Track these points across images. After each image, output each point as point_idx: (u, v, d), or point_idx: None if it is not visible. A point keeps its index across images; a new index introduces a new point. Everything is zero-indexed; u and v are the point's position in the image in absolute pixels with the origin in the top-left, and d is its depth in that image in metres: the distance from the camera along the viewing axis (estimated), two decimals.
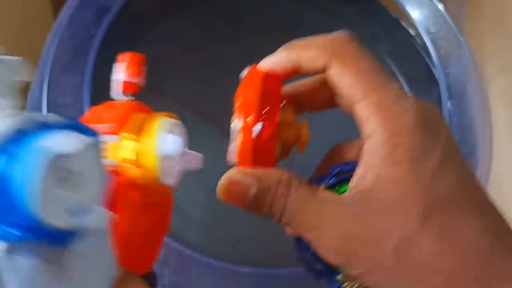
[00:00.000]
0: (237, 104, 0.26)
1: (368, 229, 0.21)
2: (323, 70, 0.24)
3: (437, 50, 0.44)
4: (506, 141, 0.44)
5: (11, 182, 0.16)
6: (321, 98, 0.27)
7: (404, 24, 0.51)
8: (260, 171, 0.23)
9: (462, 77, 0.43)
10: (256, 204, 0.23)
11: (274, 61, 0.26)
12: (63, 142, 0.17)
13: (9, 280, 0.16)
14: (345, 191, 0.23)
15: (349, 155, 0.27)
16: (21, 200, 0.16)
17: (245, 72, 0.27)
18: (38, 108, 0.38)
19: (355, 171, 0.22)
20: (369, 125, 0.22)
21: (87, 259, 0.19)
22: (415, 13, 0.45)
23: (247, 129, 0.24)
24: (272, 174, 0.23)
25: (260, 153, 0.24)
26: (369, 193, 0.21)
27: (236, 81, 0.51)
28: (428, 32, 0.45)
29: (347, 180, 0.24)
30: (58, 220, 0.16)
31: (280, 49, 0.26)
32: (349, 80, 0.23)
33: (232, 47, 0.51)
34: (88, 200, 0.18)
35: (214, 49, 0.51)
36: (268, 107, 0.25)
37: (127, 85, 0.26)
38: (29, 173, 0.16)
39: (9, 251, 0.16)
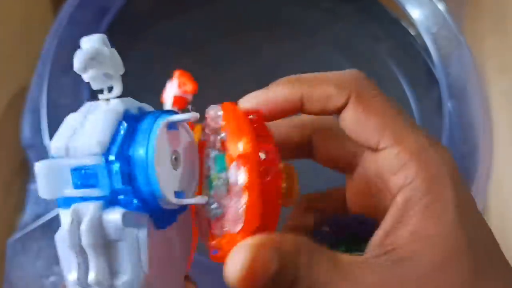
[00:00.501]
0: (218, 144, 0.21)
1: None
2: (339, 110, 0.21)
3: (437, 50, 0.44)
4: (506, 141, 0.44)
5: (136, 156, 0.18)
6: (294, 146, 0.24)
7: (404, 24, 0.51)
8: (275, 238, 0.19)
9: (463, 77, 0.43)
10: (278, 283, 0.18)
11: (269, 97, 0.22)
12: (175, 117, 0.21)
13: (121, 248, 0.18)
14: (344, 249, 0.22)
15: (328, 207, 0.25)
16: (144, 173, 0.18)
17: (211, 112, 0.23)
18: (38, 109, 0.38)
19: (381, 226, 0.20)
20: (403, 174, 0.20)
21: (181, 236, 0.21)
22: (415, 13, 0.45)
23: (250, 157, 0.19)
24: (289, 241, 0.19)
25: (268, 195, 0.19)
26: (405, 252, 0.19)
27: (236, 81, 0.52)
28: (428, 32, 0.45)
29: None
30: (171, 197, 0.19)
31: (273, 84, 0.23)
32: (373, 124, 0.21)
33: (232, 47, 0.51)
34: (188, 183, 0.20)
35: (214, 49, 0.51)
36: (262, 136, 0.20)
37: (177, 100, 0.27)
38: (152, 146, 0.18)
39: (124, 219, 0.18)
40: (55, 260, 0.35)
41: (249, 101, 0.23)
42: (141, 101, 0.49)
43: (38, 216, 0.37)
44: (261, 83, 0.52)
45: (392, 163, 0.20)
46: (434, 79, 0.46)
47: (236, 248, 0.18)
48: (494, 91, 0.45)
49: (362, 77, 0.22)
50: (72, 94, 0.38)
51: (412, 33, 0.51)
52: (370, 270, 0.19)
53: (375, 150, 0.21)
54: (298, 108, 0.22)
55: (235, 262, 0.18)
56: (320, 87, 0.21)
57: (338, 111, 0.21)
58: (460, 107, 0.42)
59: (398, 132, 0.21)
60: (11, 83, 0.45)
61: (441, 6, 0.46)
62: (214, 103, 0.47)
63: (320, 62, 0.52)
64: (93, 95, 0.38)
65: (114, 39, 0.41)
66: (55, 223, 0.36)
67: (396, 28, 0.51)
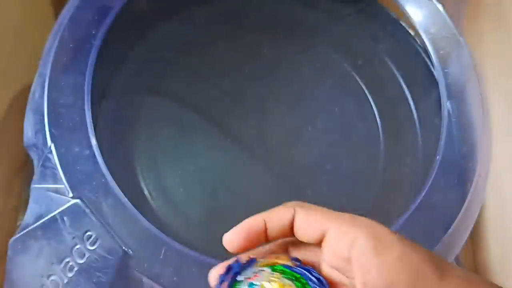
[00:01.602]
0: None
1: None
2: (291, 223, 0.27)
3: (436, 50, 0.44)
4: (505, 140, 0.44)
5: None
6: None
7: (403, 24, 0.51)
8: None
9: (462, 77, 0.43)
10: None
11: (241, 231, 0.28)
12: None
13: None
14: None
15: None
16: None
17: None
18: (39, 108, 0.38)
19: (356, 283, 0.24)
20: (346, 241, 0.25)
21: None
22: (414, 14, 0.46)
23: None
24: None
25: None
26: None
27: (236, 81, 0.52)
28: (427, 32, 0.45)
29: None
30: None
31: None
32: (313, 221, 0.26)
33: (232, 48, 0.51)
34: None
35: (214, 49, 0.51)
36: None
37: None
38: None
39: None
40: (56, 259, 0.36)
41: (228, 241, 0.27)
42: (141, 101, 0.50)
43: (39, 216, 0.37)
44: (261, 83, 0.53)
45: (336, 237, 0.25)
46: (433, 79, 0.47)
47: None
48: (493, 91, 0.45)
49: (301, 202, 0.27)
50: (72, 94, 0.38)
51: (412, 33, 0.51)
52: None
53: (320, 242, 0.26)
54: (264, 236, 0.27)
55: None
56: (274, 212, 0.27)
57: (291, 224, 0.26)
58: (459, 107, 0.43)
59: (333, 216, 0.25)
60: (12, 83, 0.45)
61: (440, 7, 0.46)
62: (214, 103, 0.48)
63: (320, 62, 0.52)
64: (93, 94, 0.38)
65: (115, 39, 0.41)
66: (56, 223, 0.36)
67: (396, 28, 0.52)
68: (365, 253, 0.23)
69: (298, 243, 0.28)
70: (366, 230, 0.24)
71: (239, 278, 0.27)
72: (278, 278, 0.25)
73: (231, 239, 0.27)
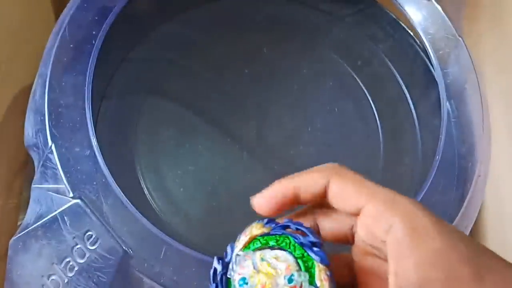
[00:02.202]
0: None
1: None
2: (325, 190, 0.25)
3: (435, 50, 0.44)
4: (504, 140, 0.44)
5: None
6: None
7: (403, 24, 0.51)
8: None
9: (461, 77, 0.44)
10: None
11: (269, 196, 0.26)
12: None
13: None
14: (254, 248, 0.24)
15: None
16: None
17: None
18: (40, 109, 0.38)
19: (389, 272, 0.22)
20: (384, 222, 0.23)
21: None
22: (413, 14, 0.46)
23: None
24: None
25: None
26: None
27: (236, 82, 0.52)
28: (426, 32, 0.45)
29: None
30: None
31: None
32: (350, 191, 0.25)
33: (232, 48, 0.51)
34: None
35: (214, 50, 0.51)
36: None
37: None
38: None
39: None
40: (56, 259, 0.36)
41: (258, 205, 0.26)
42: (141, 101, 0.50)
43: (39, 216, 0.37)
44: (261, 84, 0.53)
45: (372, 217, 0.23)
46: (433, 79, 0.47)
47: None
48: (493, 91, 0.45)
49: (338, 164, 0.25)
50: (73, 94, 0.38)
51: (411, 34, 0.51)
52: None
53: (357, 213, 0.24)
54: (294, 201, 0.25)
55: None
56: (307, 176, 0.25)
57: (323, 191, 0.25)
58: (459, 107, 0.43)
59: (370, 192, 0.24)
60: (13, 84, 0.45)
61: (439, 7, 0.46)
62: (214, 103, 0.48)
63: (320, 63, 0.52)
64: (94, 95, 0.38)
65: (115, 40, 0.41)
66: (56, 222, 0.36)
67: (395, 28, 0.52)
68: (401, 243, 0.22)
69: (329, 209, 0.26)
70: (405, 218, 0.22)
71: (229, 276, 0.26)
72: (262, 258, 0.24)
73: (260, 204, 0.26)
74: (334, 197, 0.24)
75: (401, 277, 0.22)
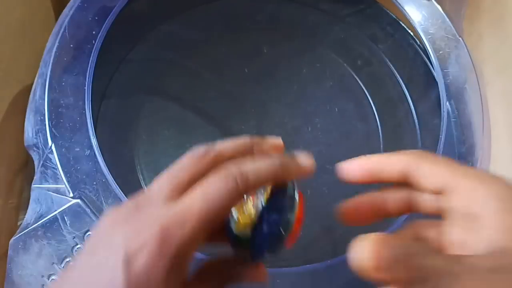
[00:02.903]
0: None
1: None
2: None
3: (436, 50, 0.44)
4: (504, 140, 0.44)
5: None
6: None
7: (403, 25, 0.51)
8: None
9: (461, 77, 0.44)
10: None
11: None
12: None
13: None
14: None
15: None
16: None
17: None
18: (40, 109, 0.38)
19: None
20: (479, 193, 0.24)
21: None
22: (414, 14, 0.46)
23: None
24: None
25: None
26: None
27: (236, 81, 0.52)
28: (427, 33, 0.45)
29: None
30: None
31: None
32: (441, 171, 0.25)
33: (232, 48, 0.51)
34: None
35: (214, 50, 0.51)
36: None
37: None
38: None
39: None
40: (57, 259, 0.36)
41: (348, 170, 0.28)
42: (141, 101, 0.50)
43: (39, 216, 0.37)
44: (261, 83, 0.53)
45: (468, 192, 0.24)
46: (433, 79, 0.47)
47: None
48: (492, 91, 0.45)
49: (423, 151, 0.26)
50: (73, 94, 0.38)
51: (411, 34, 0.51)
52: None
53: (439, 192, 0.25)
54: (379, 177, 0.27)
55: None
56: (394, 157, 0.26)
57: (405, 173, 0.26)
58: (459, 107, 0.43)
59: (462, 171, 0.25)
60: (13, 84, 0.45)
61: (439, 7, 0.46)
62: (214, 103, 0.48)
63: (320, 62, 0.52)
64: (94, 95, 0.38)
65: (115, 40, 0.41)
66: (56, 222, 0.36)
67: (395, 28, 0.52)
68: (492, 213, 0.23)
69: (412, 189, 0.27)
70: (496, 192, 0.23)
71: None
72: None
73: (343, 172, 0.27)
74: (421, 179, 0.25)
75: (494, 243, 0.23)
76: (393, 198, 0.27)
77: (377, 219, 0.28)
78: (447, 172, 0.25)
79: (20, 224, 0.38)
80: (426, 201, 0.26)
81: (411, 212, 0.28)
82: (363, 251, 0.21)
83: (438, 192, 0.25)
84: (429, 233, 0.27)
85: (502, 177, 0.24)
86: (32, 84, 0.42)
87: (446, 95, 0.43)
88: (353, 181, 0.27)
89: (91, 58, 0.39)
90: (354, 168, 0.27)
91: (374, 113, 0.50)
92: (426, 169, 0.25)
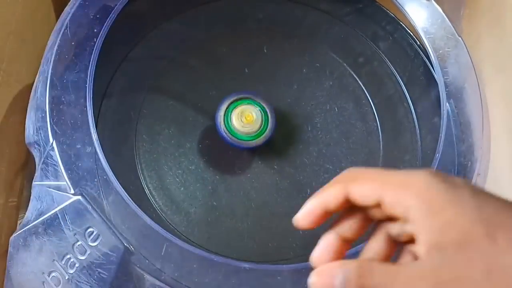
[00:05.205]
0: None
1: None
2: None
3: (435, 50, 0.44)
4: (503, 140, 0.44)
5: None
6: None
7: (402, 24, 0.51)
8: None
9: (460, 77, 0.44)
10: None
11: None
12: None
13: None
14: None
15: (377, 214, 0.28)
16: None
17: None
18: (41, 106, 0.38)
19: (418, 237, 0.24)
20: (410, 192, 0.25)
21: None
22: (413, 14, 0.46)
23: None
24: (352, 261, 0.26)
25: None
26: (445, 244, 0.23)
27: (236, 81, 0.52)
28: (426, 32, 0.45)
29: None
30: None
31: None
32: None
33: (232, 47, 0.52)
34: None
35: (214, 50, 0.51)
36: None
37: None
38: None
39: None
40: (57, 256, 0.36)
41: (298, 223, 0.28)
42: (142, 100, 0.50)
43: (40, 213, 0.37)
44: (261, 83, 0.53)
45: (391, 204, 0.25)
46: (432, 78, 0.47)
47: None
48: (491, 90, 0.45)
49: (351, 170, 0.28)
50: (74, 91, 0.38)
51: (411, 33, 0.51)
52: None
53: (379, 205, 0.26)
54: (328, 213, 0.28)
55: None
56: (328, 192, 0.27)
57: (348, 198, 0.27)
58: (458, 106, 0.43)
59: (383, 182, 0.26)
60: (14, 82, 0.45)
61: (439, 7, 0.46)
62: (215, 103, 0.48)
63: (319, 62, 0.52)
64: (95, 93, 0.38)
65: (116, 38, 0.41)
66: (57, 219, 0.36)
67: (395, 28, 0.52)
68: (420, 218, 0.24)
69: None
70: (418, 196, 0.24)
71: None
72: None
73: (299, 225, 0.28)
74: (359, 202, 0.26)
75: (429, 244, 0.24)
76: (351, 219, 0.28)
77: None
78: (374, 187, 0.25)
79: (20, 222, 0.38)
80: (376, 213, 0.27)
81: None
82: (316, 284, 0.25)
83: (378, 206, 0.26)
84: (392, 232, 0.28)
85: (425, 171, 0.25)
86: (32, 83, 0.42)
87: (446, 95, 0.43)
88: (313, 228, 0.28)
89: (92, 56, 0.39)
90: (306, 219, 0.27)
91: (374, 113, 0.50)
92: (357, 190, 0.26)
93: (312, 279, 0.26)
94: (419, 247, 0.24)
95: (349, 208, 0.28)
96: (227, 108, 0.45)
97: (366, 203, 0.26)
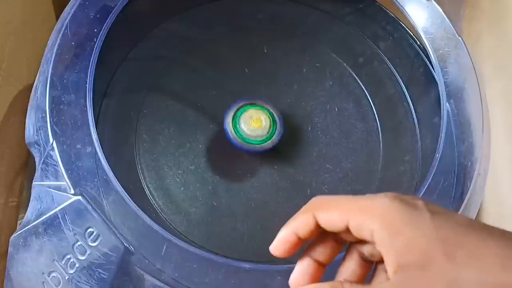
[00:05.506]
0: None
1: None
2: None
3: (435, 50, 0.44)
4: (502, 140, 0.44)
5: None
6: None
7: (403, 24, 0.51)
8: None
9: (460, 77, 0.44)
10: None
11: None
12: None
13: None
14: None
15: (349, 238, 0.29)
16: None
17: None
18: (41, 106, 0.38)
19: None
20: (371, 214, 0.26)
21: None
22: (414, 14, 0.46)
23: None
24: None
25: None
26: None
27: (236, 81, 0.52)
28: (426, 32, 0.45)
29: None
30: None
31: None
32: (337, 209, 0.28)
33: (232, 47, 0.52)
34: None
35: (215, 49, 0.51)
36: None
37: None
38: None
39: None
40: (57, 256, 0.36)
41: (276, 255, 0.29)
42: (142, 100, 0.50)
43: (40, 213, 0.37)
44: (261, 83, 0.53)
45: (356, 229, 0.26)
46: (432, 78, 0.47)
47: None
48: (492, 90, 0.45)
49: (317, 198, 0.29)
50: (75, 91, 0.38)
51: (411, 34, 0.51)
52: None
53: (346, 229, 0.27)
54: (301, 241, 0.29)
55: None
56: (297, 222, 0.28)
57: (318, 225, 0.28)
58: (458, 106, 0.43)
59: (347, 208, 0.27)
60: (14, 83, 0.45)
61: (439, 7, 0.46)
62: (215, 102, 0.48)
63: (319, 62, 0.52)
64: (95, 93, 0.38)
65: (117, 38, 0.41)
66: (57, 219, 0.36)
67: (395, 28, 0.52)
68: (384, 241, 0.25)
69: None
70: (380, 220, 0.25)
71: None
72: None
73: (274, 254, 0.29)
74: (328, 228, 0.27)
75: (395, 265, 0.25)
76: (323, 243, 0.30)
77: None
78: (340, 213, 0.27)
79: (20, 222, 0.38)
80: (347, 236, 0.28)
81: None
82: None
83: (348, 230, 0.27)
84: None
85: (386, 195, 0.26)
86: (32, 83, 0.42)
87: (446, 95, 0.43)
88: (289, 256, 0.29)
89: (92, 56, 0.39)
90: (280, 248, 0.28)
91: (374, 113, 0.50)
92: (324, 217, 0.27)
93: None
94: (388, 268, 0.25)
95: (321, 232, 0.28)
96: (235, 113, 0.46)
97: (335, 229, 0.27)
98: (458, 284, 0.23)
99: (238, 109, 0.46)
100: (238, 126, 0.46)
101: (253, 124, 0.45)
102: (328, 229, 0.27)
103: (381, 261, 0.27)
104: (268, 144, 0.45)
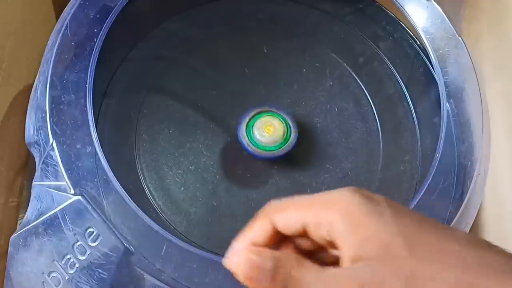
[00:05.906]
0: None
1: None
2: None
3: (435, 50, 0.44)
4: (502, 140, 0.44)
5: None
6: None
7: (403, 24, 0.52)
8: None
9: (460, 76, 0.44)
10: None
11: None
12: None
13: None
14: None
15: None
16: None
17: None
18: (41, 106, 0.38)
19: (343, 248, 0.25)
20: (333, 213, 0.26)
21: None
22: (414, 14, 0.46)
23: None
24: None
25: None
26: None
27: (236, 81, 0.52)
28: (426, 32, 0.45)
29: None
30: None
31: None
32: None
33: (233, 47, 0.52)
34: None
35: (215, 49, 0.51)
36: None
37: None
38: None
39: None
40: (57, 256, 0.36)
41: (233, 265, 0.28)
42: (142, 100, 0.50)
43: (40, 213, 0.37)
44: (261, 83, 0.53)
45: (315, 224, 0.26)
46: (433, 78, 0.47)
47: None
48: (492, 90, 0.45)
49: (271, 203, 0.28)
50: (75, 91, 0.38)
51: (411, 33, 0.51)
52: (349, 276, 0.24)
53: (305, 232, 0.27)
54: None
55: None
56: (255, 229, 0.28)
57: (276, 230, 0.28)
58: (458, 106, 0.43)
59: (307, 205, 0.27)
60: (14, 83, 0.45)
61: (439, 7, 0.46)
62: (215, 102, 0.48)
63: (319, 62, 0.52)
64: (95, 93, 0.38)
65: (117, 38, 0.41)
66: (57, 219, 0.36)
67: (395, 28, 0.52)
68: (344, 233, 0.25)
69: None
70: (341, 211, 0.25)
71: None
72: None
73: (228, 267, 0.28)
74: (285, 231, 0.27)
75: (353, 258, 0.25)
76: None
77: None
78: (297, 212, 0.26)
79: (20, 222, 0.38)
80: (304, 243, 0.28)
81: None
82: (238, 259, 0.26)
83: (305, 234, 0.27)
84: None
85: (346, 189, 0.26)
86: (32, 83, 0.42)
87: (446, 95, 0.43)
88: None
89: (92, 56, 0.39)
90: (237, 262, 0.27)
91: (374, 113, 0.50)
92: (281, 219, 0.27)
93: (235, 257, 0.26)
94: (345, 259, 0.25)
95: (278, 241, 0.28)
96: (250, 120, 0.46)
97: (292, 231, 0.26)
98: (416, 278, 0.23)
99: (252, 116, 0.47)
100: (251, 133, 0.46)
101: (266, 130, 0.46)
102: (286, 233, 0.27)
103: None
104: (281, 150, 0.46)
